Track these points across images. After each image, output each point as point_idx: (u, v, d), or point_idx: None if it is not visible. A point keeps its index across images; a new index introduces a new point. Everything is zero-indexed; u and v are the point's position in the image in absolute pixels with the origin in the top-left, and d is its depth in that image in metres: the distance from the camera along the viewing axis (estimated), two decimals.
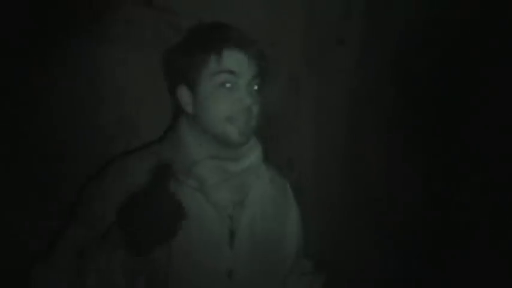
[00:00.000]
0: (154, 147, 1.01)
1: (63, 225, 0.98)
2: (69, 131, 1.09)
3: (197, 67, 0.93)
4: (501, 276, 1.57)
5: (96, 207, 0.89)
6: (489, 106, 1.58)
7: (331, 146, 1.66)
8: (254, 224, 0.99)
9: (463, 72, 1.60)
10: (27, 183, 1.05)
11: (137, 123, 1.19)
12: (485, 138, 1.59)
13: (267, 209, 1.05)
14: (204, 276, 0.92)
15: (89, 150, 1.12)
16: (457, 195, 1.69)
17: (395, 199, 1.75)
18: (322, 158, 1.64)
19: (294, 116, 1.56)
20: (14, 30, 0.99)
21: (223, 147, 0.96)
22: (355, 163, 1.71)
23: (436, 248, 1.70)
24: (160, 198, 0.77)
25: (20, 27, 1.00)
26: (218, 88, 0.92)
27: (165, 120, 1.08)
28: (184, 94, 0.96)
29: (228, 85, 0.92)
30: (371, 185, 1.75)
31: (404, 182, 1.74)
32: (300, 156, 1.59)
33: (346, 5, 1.59)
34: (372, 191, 1.75)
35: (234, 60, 0.93)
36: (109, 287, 0.78)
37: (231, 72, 0.92)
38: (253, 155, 1.02)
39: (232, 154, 0.98)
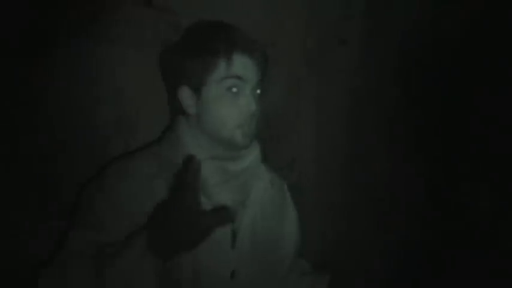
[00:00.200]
0: (153, 147, 1.00)
1: (63, 226, 0.98)
2: (68, 131, 1.09)
3: (204, 70, 0.92)
4: (502, 276, 1.57)
5: (97, 209, 0.89)
6: (491, 106, 1.57)
7: (332, 146, 1.66)
8: (255, 224, 1.00)
9: (465, 72, 1.60)
10: (26, 183, 1.05)
11: (136, 123, 1.18)
12: (487, 138, 1.58)
13: (267, 209, 1.05)
14: (207, 276, 0.92)
15: (88, 150, 1.11)
16: (458, 195, 1.68)
17: (396, 199, 1.75)
18: (323, 158, 1.64)
19: (294, 116, 1.56)
20: (14, 30, 0.99)
21: (223, 148, 0.96)
22: (356, 163, 1.71)
23: (437, 248, 1.70)
24: (189, 206, 0.75)
25: (19, 27, 1.00)
26: (224, 92, 0.92)
27: (164, 120, 1.08)
28: (186, 95, 0.95)
29: (234, 89, 0.93)
30: (372, 185, 1.75)
31: (405, 182, 1.74)
32: (301, 156, 1.59)
33: (346, 5, 1.59)
34: (373, 191, 1.75)
35: (243, 65, 0.93)
36: None
37: (239, 78, 0.92)
38: (252, 154, 1.03)
39: (231, 154, 0.98)
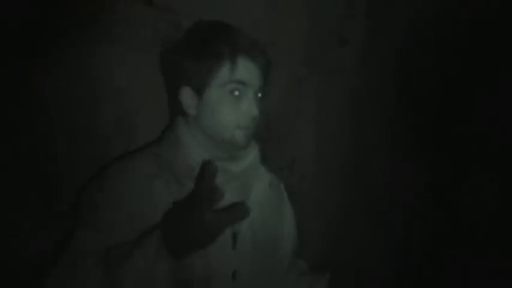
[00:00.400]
0: (153, 148, 1.00)
1: (64, 226, 0.98)
2: (68, 131, 1.09)
3: (207, 72, 0.92)
4: (502, 276, 1.57)
5: (98, 210, 0.89)
6: (491, 105, 1.57)
7: (332, 146, 1.66)
8: (255, 224, 1.00)
9: (465, 72, 1.60)
10: (26, 183, 1.05)
11: (136, 123, 1.18)
12: (488, 137, 1.58)
13: (266, 210, 1.06)
14: (208, 277, 0.92)
15: (88, 150, 1.11)
16: (459, 194, 1.68)
17: (397, 198, 1.75)
18: (323, 157, 1.64)
19: (295, 115, 1.56)
20: (14, 30, 0.99)
21: (223, 149, 0.97)
22: (356, 163, 1.71)
23: (437, 248, 1.71)
24: (202, 207, 0.74)
25: (19, 27, 1.00)
26: (226, 95, 0.93)
27: (164, 120, 1.08)
28: (188, 96, 0.95)
29: (236, 93, 0.93)
30: (372, 185, 1.75)
31: (406, 182, 1.74)
32: (301, 156, 1.59)
33: (347, 5, 1.58)
34: (374, 191, 1.75)
35: (246, 70, 0.93)
36: None
37: (242, 82, 0.92)
38: (251, 155, 1.03)
39: (231, 155, 0.98)
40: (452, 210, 1.70)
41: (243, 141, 0.95)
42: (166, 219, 0.80)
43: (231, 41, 0.93)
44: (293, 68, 1.51)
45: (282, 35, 1.45)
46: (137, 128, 1.18)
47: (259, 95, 0.98)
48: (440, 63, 1.64)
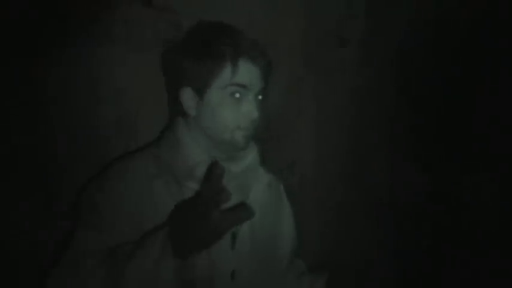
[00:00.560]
0: (152, 149, 1.01)
1: (64, 226, 0.99)
2: (68, 131, 1.09)
3: (209, 73, 0.93)
4: (503, 276, 1.58)
5: (99, 210, 0.90)
6: (491, 105, 1.58)
7: (332, 146, 1.66)
8: (254, 225, 1.00)
9: (465, 71, 1.61)
10: (26, 184, 1.05)
11: (136, 124, 1.18)
12: (488, 137, 1.59)
13: (265, 210, 1.06)
14: (211, 277, 0.93)
15: (88, 150, 1.12)
16: (459, 194, 1.69)
17: (397, 198, 1.75)
18: (324, 158, 1.65)
19: (294, 115, 1.56)
20: (14, 30, 0.99)
21: (223, 149, 0.97)
22: (357, 163, 1.72)
23: (437, 248, 1.71)
24: (209, 207, 0.74)
25: (19, 27, 1.00)
26: (227, 97, 0.93)
27: (164, 120, 1.09)
28: (188, 97, 0.96)
29: (237, 95, 0.93)
30: (372, 185, 1.75)
31: (405, 182, 1.75)
32: (301, 156, 1.59)
33: (347, 5, 1.59)
34: (374, 191, 1.75)
35: (247, 73, 0.93)
36: None
37: (243, 86, 0.93)
38: (251, 155, 1.04)
39: (230, 155, 0.99)
40: (452, 210, 1.70)
41: (242, 142, 0.95)
42: (173, 218, 0.81)
43: (233, 43, 0.93)
44: (293, 68, 1.52)
45: (282, 35, 1.45)
46: (137, 128, 1.18)
47: (260, 97, 0.98)
48: (440, 63, 1.64)
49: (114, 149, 1.13)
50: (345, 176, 1.70)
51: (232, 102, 0.93)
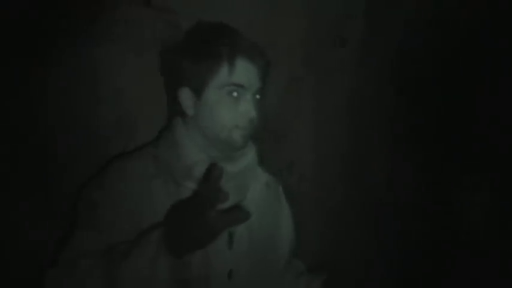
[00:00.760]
0: (151, 149, 1.02)
1: (64, 226, 1.00)
2: (68, 131, 1.10)
3: (206, 73, 0.94)
4: (503, 277, 1.58)
5: (99, 209, 0.91)
6: (491, 105, 1.59)
7: (332, 146, 1.67)
8: (251, 225, 1.00)
9: (465, 72, 1.61)
10: (26, 184, 1.06)
11: (136, 124, 1.19)
12: (488, 137, 1.59)
13: (263, 210, 1.07)
14: (206, 277, 0.94)
15: (87, 150, 1.12)
16: (459, 194, 1.69)
17: (396, 198, 1.76)
18: (323, 158, 1.65)
19: (293, 115, 1.57)
20: (14, 30, 1.00)
21: (221, 149, 0.98)
22: (356, 163, 1.72)
23: (437, 248, 1.71)
24: (206, 207, 0.75)
25: (19, 27, 1.01)
26: (225, 96, 0.94)
27: (163, 120, 1.10)
28: (186, 97, 0.97)
29: (235, 94, 0.94)
30: (372, 185, 1.76)
31: (405, 182, 1.75)
32: (300, 156, 1.60)
33: (346, 5, 1.59)
34: (373, 191, 1.76)
35: (245, 72, 0.94)
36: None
37: (240, 85, 0.94)
38: (249, 155, 1.05)
39: (228, 155, 1.00)
40: (452, 210, 1.71)
41: (240, 141, 0.96)
42: (169, 217, 0.81)
43: (230, 43, 0.94)
44: (292, 68, 1.52)
45: (281, 35, 1.46)
46: (137, 128, 1.19)
47: (258, 96, 0.99)
48: (440, 63, 1.65)
49: (114, 149, 1.13)
50: (345, 176, 1.70)
51: (230, 101, 0.94)
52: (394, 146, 1.75)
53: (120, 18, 1.15)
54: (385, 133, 1.74)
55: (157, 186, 0.94)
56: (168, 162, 0.97)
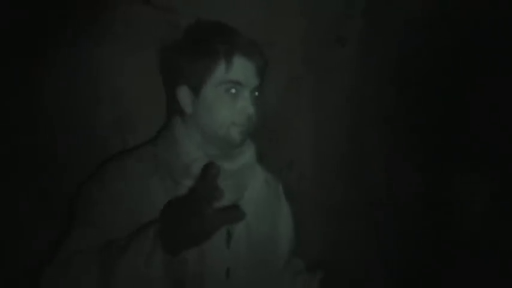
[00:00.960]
0: (149, 147, 1.03)
1: (63, 225, 1.01)
2: (67, 131, 1.11)
3: (204, 71, 0.95)
4: (502, 276, 1.59)
5: (97, 207, 0.92)
6: (491, 105, 1.59)
7: (331, 145, 1.68)
8: (250, 223, 1.02)
9: (465, 71, 1.62)
10: (26, 183, 1.07)
11: (135, 123, 1.20)
12: (487, 137, 1.60)
13: (261, 209, 1.08)
14: (202, 275, 0.95)
15: (87, 150, 1.14)
16: (459, 194, 1.70)
17: (396, 198, 1.76)
18: (322, 157, 1.66)
19: (293, 114, 1.58)
20: (14, 30, 1.01)
21: (219, 147, 0.99)
22: (356, 162, 1.73)
23: (437, 248, 1.72)
24: (202, 204, 0.75)
25: (19, 27, 1.02)
26: (223, 93, 0.95)
27: (162, 120, 1.10)
28: (184, 95, 0.98)
29: (233, 91, 0.95)
30: (372, 185, 1.77)
31: (405, 182, 1.76)
32: (300, 155, 1.61)
33: (345, 4, 1.60)
34: (373, 191, 1.77)
35: (242, 69, 0.96)
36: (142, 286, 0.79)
37: (238, 82, 0.95)
38: (248, 153, 1.05)
39: (227, 153, 1.01)
40: (452, 210, 1.71)
41: (238, 138, 0.97)
42: (165, 214, 0.82)
43: (227, 40, 0.96)
44: (291, 67, 1.53)
45: (280, 34, 1.47)
46: (136, 128, 1.20)
47: (256, 93, 1.00)
48: (440, 62, 1.66)
49: (114, 148, 1.14)
50: (344, 176, 1.71)
51: (227, 98, 0.95)
52: (394, 146, 1.75)
53: (120, 17, 1.16)
54: (385, 132, 1.74)
55: (155, 185, 0.95)
56: (167, 161, 0.98)
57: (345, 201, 1.70)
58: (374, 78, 1.69)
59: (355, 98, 1.69)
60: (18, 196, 1.05)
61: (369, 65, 1.67)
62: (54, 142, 1.09)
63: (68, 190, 1.07)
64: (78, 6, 1.08)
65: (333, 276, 1.14)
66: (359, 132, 1.72)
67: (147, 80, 1.18)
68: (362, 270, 1.69)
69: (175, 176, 0.96)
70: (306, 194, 1.62)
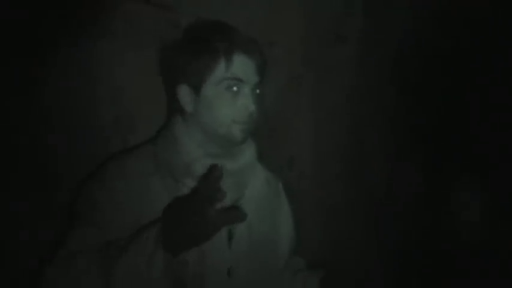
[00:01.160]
0: (149, 146, 1.04)
1: (64, 225, 1.02)
2: (67, 131, 1.12)
3: (204, 69, 0.96)
4: (502, 276, 1.60)
5: (98, 206, 0.93)
6: (491, 105, 1.59)
7: (332, 144, 1.68)
8: (251, 223, 1.02)
9: (465, 71, 1.62)
10: (26, 183, 1.08)
11: (135, 123, 1.21)
12: (487, 137, 1.60)
13: (262, 207, 1.10)
14: (203, 274, 0.96)
15: (87, 149, 1.14)
16: (459, 194, 1.71)
17: (396, 198, 1.77)
18: (323, 155, 1.67)
19: (293, 113, 1.59)
20: (14, 30, 1.02)
21: (220, 146, 1.00)
22: (356, 162, 1.74)
23: (437, 248, 1.73)
24: (204, 205, 0.77)
25: (19, 27, 1.02)
26: (223, 91, 0.96)
27: (162, 120, 1.11)
28: (185, 93, 0.99)
29: (234, 89, 0.97)
30: (371, 184, 1.77)
31: (405, 181, 1.76)
32: (300, 154, 1.61)
33: (345, 3, 1.61)
34: (373, 190, 1.77)
35: (242, 67, 0.97)
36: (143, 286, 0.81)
37: (238, 79, 0.96)
38: (248, 152, 1.07)
39: (227, 152, 1.02)
40: (452, 210, 1.72)
41: (239, 136, 0.98)
42: (166, 214, 0.83)
43: (227, 38, 0.97)
44: (291, 66, 1.54)
45: (281, 33, 1.48)
46: (136, 128, 1.21)
47: (258, 91, 1.01)
48: (441, 62, 1.66)
49: (113, 148, 1.15)
50: (344, 175, 1.72)
51: (228, 96, 0.96)
52: (394, 145, 1.76)
53: (120, 16, 1.17)
54: (385, 132, 1.75)
55: (156, 184, 0.96)
56: (168, 160, 0.99)
57: (345, 200, 1.71)
58: (374, 78, 1.69)
59: (355, 97, 1.69)
60: (18, 196, 1.06)
61: (369, 64, 1.67)
62: (54, 142, 1.10)
63: (68, 190, 1.08)
64: (78, 6, 1.09)
65: (333, 275, 1.15)
66: (359, 131, 1.73)
67: (147, 79, 1.18)
68: (362, 270, 1.70)
69: (175, 175, 0.97)
70: (306, 193, 1.63)
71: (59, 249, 0.91)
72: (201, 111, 0.98)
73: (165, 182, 0.97)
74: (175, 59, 1.00)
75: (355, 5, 1.63)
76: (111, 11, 1.14)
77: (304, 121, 1.61)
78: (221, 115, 0.97)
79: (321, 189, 1.66)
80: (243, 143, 1.02)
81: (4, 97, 1.03)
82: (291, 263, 1.19)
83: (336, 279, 1.14)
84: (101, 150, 1.14)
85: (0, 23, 1.00)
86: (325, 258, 1.50)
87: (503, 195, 1.58)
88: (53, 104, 1.09)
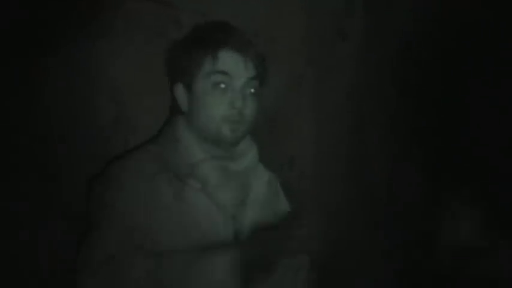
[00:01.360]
0: (151, 146, 1.05)
1: (64, 226, 1.03)
2: (68, 131, 1.12)
3: (193, 66, 0.98)
4: (502, 276, 1.61)
5: (114, 210, 0.93)
6: (491, 105, 1.60)
7: (332, 143, 1.69)
8: (256, 223, 1.04)
9: (466, 71, 1.63)
10: (26, 183, 1.08)
11: (135, 123, 1.22)
12: (487, 137, 1.61)
13: (265, 208, 1.10)
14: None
15: (87, 150, 1.15)
16: (459, 194, 1.71)
17: (396, 198, 1.78)
18: (323, 155, 1.67)
19: (294, 112, 1.59)
20: (14, 30, 1.02)
21: (220, 147, 1.01)
22: (356, 161, 1.74)
23: (437, 248, 1.73)
24: None
25: (19, 27, 1.03)
26: (212, 88, 0.97)
27: (163, 119, 1.12)
28: (180, 92, 1.01)
29: (222, 85, 0.97)
30: (372, 184, 1.78)
31: (406, 181, 1.77)
32: (301, 154, 1.62)
33: (347, 1, 1.61)
34: (373, 190, 1.78)
35: (229, 61, 0.97)
36: None
37: (225, 73, 0.97)
38: (250, 154, 1.08)
39: (230, 154, 1.03)
40: (452, 210, 1.73)
41: (229, 136, 0.98)
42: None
43: (217, 35, 0.99)
44: (292, 64, 1.54)
45: (282, 30, 1.48)
46: (136, 128, 1.21)
47: (253, 90, 1.01)
48: (442, 61, 1.66)
49: (114, 148, 1.16)
50: (345, 175, 1.72)
51: (217, 93, 0.97)
52: (395, 144, 1.77)
53: (120, 13, 1.17)
54: (385, 131, 1.75)
55: (161, 183, 0.96)
56: (170, 160, 1.00)
57: (345, 200, 1.72)
58: (375, 77, 1.70)
59: (356, 96, 1.69)
60: (18, 196, 1.07)
61: (370, 63, 1.67)
62: (54, 142, 1.10)
63: (68, 190, 1.10)
64: (78, 2, 1.09)
65: (332, 275, 1.16)
66: (360, 131, 1.73)
67: (147, 79, 1.19)
68: (362, 270, 1.71)
69: (179, 176, 0.98)
70: (306, 192, 1.63)
71: (84, 256, 0.91)
72: (193, 110, 1.00)
73: (170, 182, 0.97)
74: (172, 59, 1.03)
75: (357, 2, 1.63)
76: (112, 10, 1.14)
77: (305, 120, 1.61)
78: (210, 112, 0.97)
79: (321, 189, 1.67)
80: (235, 144, 1.03)
81: (4, 97, 1.03)
82: (291, 262, 1.19)
83: (336, 279, 1.15)
84: (101, 150, 1.15)
85: (0, 23, 1.00)
86: (326, 258, 1.51)
87: (503, 195, 1.59)
88: (53, 104, 1.09)
